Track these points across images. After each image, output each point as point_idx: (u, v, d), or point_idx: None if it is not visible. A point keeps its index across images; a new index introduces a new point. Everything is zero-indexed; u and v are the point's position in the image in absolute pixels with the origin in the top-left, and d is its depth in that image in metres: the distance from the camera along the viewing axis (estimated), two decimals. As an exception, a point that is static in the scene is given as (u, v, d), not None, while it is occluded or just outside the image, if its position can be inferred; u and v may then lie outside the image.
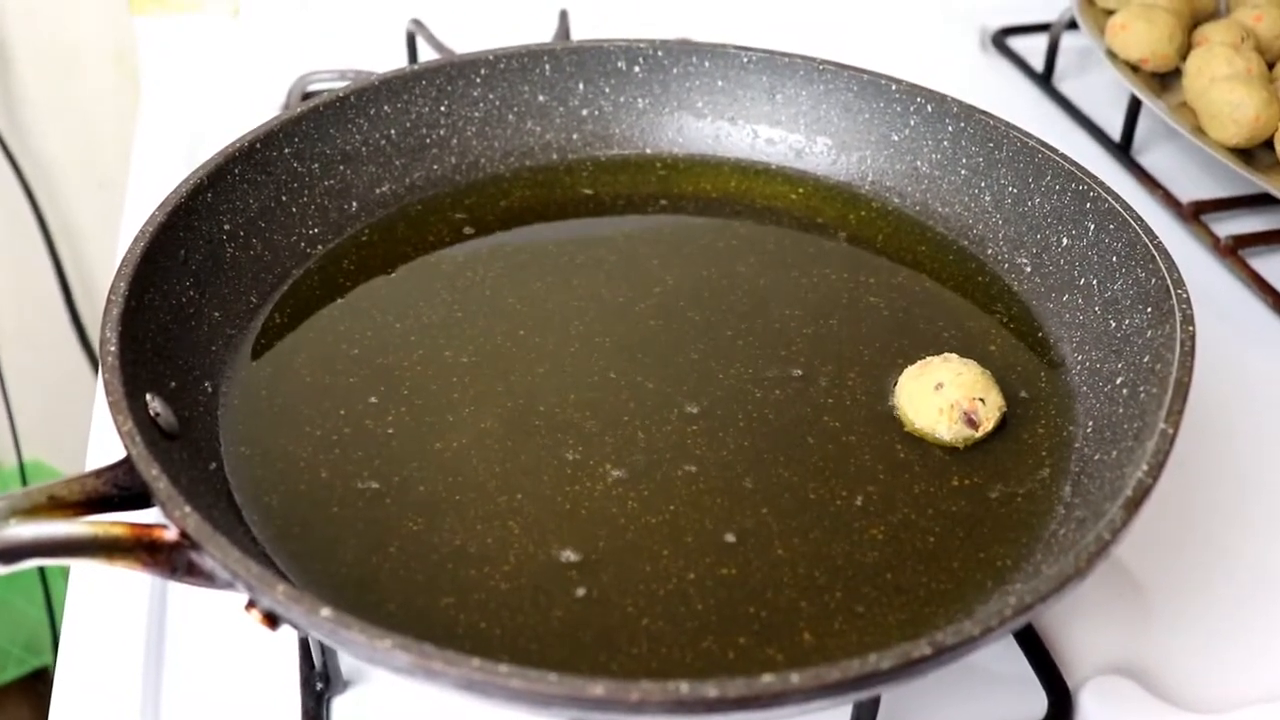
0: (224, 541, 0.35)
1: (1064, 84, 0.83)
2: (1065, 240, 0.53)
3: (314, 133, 0.55)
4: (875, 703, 0.41)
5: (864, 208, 0.59)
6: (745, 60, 0.61)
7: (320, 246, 0.55)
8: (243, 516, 0.43)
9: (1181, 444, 0.41)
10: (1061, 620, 0.48)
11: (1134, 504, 0.38)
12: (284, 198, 0.54)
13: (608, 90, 0.62)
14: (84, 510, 0.37)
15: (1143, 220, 0.49)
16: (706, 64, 0.61)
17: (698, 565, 0.42)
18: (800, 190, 0.60)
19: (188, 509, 0.36)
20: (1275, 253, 0.68)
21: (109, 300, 0.43)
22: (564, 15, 0.80)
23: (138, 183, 0.73)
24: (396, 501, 0.44)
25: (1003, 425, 0.48)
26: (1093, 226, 0.51)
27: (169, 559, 0.36)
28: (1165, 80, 0.74)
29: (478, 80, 0.60)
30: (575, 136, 0.62)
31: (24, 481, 1.09)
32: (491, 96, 0.60)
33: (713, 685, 0.31)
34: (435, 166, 0.59)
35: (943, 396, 0.47)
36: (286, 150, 0.54)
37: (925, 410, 0.47)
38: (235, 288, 0.51)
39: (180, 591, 0.48)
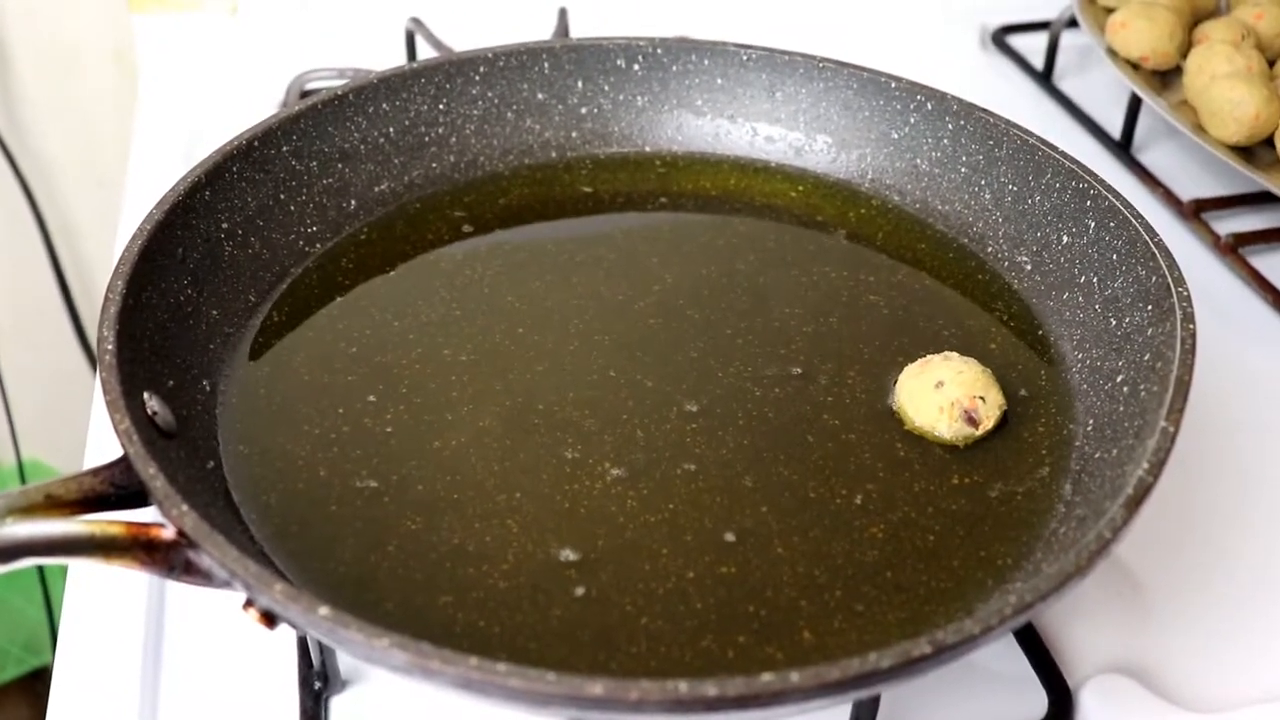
0: (221, 540, 0.35)
1: (1064, 82, 0.83)
2: (1065, 238, 0.53)
3: (312, 131, 0.55)
4: (875, 702, 0.41)
5: (864, 205, 0.59)
6: (745, 58, 0.61)
7: (319, 245, 0.55)
8: (241, 515, 0.43)
9: (1182, 442, 0.41)
10: (1062, 619, 0.48)
11: (1135, 502, 0.38)
12: (282, 196, 0.54)
13: (607, 88, 0.61)
14: (81, 509, 0.37)
15: (1143, 218, 0.49)
16: (706, 62, 0.61)
17: (697, 564, 0.42)
18: (800, 188, 0.60)
19: (185, 508, 0.36)
20: (1276, 251, 0.68)
21: (106, 298, 0.43)
22: (563, 13, 0.79)
23: (136, 181, 0.73)
24: (395, 500, 0.44)
25: (1003, 423, 0.48)
26: (1093, 224, 0.51)
27: (166, 558, 0.36)
28: (1166, 78, 0.74)
29: (476, 78, 0.60)
30: (574, 134, 0.61)
31: (22, 480, 1.09)
32: (490, 94, 0.60)
33: (712, 684, 0.31)
34: (434, 165, 0.59)
35: (943, 395, 0.47)
36: (285, 148, 0.54)
37: (925, 408, 0.47)
38: (233, 286, 0.51)
39: (178, 590, 0.48)
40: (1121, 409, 0.45)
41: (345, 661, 0.45)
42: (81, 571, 0.49)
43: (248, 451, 0.45)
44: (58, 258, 1.05)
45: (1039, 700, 0.45)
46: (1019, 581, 0.41)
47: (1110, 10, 0.77)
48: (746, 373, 0.50)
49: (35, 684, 1.08)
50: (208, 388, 0.47)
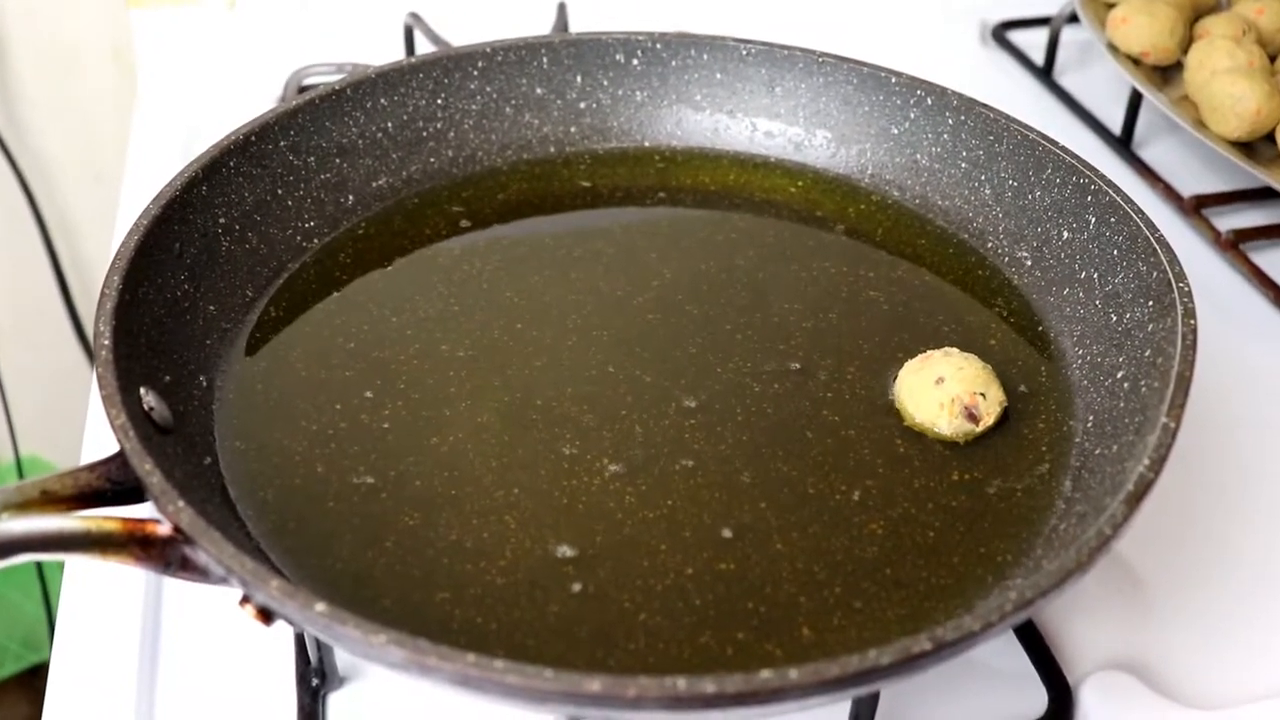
0: (218, 536, 0.35)
1: (1064, 77, 0.83)
2: (1066, 234, 0.52)
3: (310, 126, 0.55)
4: (874, 699, 0.41)
5: (863, 201, 0.59)
6: (744, 53, 0.61)
7: (316, 240, 0.54)
8: (237, 511, 0.43)
9: (1182, 438, 0.41)
10: (1062, 616, 0.48)
11: (1135, 499, 0.37)
12: (280, 191, 0.54)
13: (606, 83, 0.61)
14: (77, 505, 0.37)
15: (1144, 214, 0.49)
16: (705, 56, 0.61)
17: (695, 560, 0.42)
18: (799, 183, 0.60)
19: (181, 504, 0.36)
20: (1276, 247, 0.68)
21: (103, 294, 0.43)
22: (562, 8, 0.79)
23: (133, 176, 0.72)
24: (392, 496, 0.44)
25: (1003, 419, 0.47)
26: (1093, 220, 0.51)
27: (162, 554, 0.36)
28: (1166, 73, 0.74)
29: (475, 73, 0.59)
30: (573, 129, 0.61)
31: (21, 477, 1.09)
32: (489, 89, 0.60)
33: (711, 681, 0.31)
34: (432, 160, 0.59)
35: (943, 391, 0.47)
36: (282, 143, 0.54)
37: (925, 404, 0.47)
38: (230, 281, 0.50)
39: (175, 586, 0.48)
40: (1122, 405, 0.45)
41: (343, 658, 0.45)
42: (78, 568, 0.49)
43: (244, 447, 0.45)
44: (56, 255, 1.05)
45: (1039, 697, 0.44)
46: (1019, 578, 0.41)
47: (1111, 5, 0.77)
48: (745, 368, 0.50)
49: (34, 680, 1.08)
50: (204, 383, 0.47)
